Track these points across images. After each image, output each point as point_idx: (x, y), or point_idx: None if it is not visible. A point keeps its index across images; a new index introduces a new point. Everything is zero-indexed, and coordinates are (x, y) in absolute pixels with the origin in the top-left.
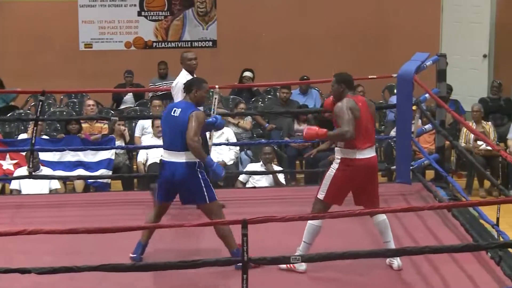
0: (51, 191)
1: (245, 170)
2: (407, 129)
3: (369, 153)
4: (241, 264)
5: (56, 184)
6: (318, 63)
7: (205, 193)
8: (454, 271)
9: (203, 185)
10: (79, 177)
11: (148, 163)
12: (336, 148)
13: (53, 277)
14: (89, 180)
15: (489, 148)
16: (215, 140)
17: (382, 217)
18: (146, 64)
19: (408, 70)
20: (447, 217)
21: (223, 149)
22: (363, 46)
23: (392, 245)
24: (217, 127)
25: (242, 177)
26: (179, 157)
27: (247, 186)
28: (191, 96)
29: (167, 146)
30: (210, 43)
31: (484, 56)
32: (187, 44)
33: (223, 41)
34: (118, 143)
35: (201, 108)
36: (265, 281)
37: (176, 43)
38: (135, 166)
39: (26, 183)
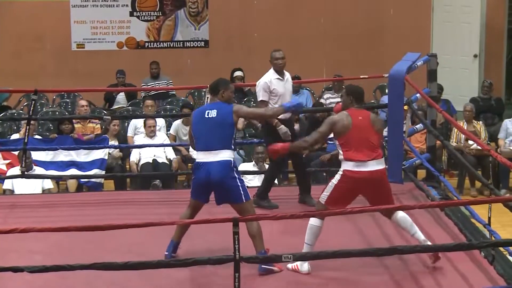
0: (44, 190)
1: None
2: (399, 129)
3: (371, 166)
4: (264, 266)
5: (49, 184)
6: (309, 63)
7: (241, 192)
8: (446, 270)
9: (239, 184)
10: (72, 177)
11: (141, 163)
12: (340, 159)
13: (45, 275)
14: (82, 180)
15: (480, 147)
16: None
17: (401, 213)
18: (138, 64)
19: (399, 70)
20: (439, 216)
21: None
22: (354, 46)
23: (421, 235)
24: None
25: None
26: (215, 156)
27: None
28: (219, 97)
29: (202, 147)
30: (202, 43)
31: (475, 56)
32: (179, 44)
33: (215, 41)
34: (112, 143)
35: None
36: (256, 279)
37: (168, 43)
38: (127, 166)
39: (19, 183)
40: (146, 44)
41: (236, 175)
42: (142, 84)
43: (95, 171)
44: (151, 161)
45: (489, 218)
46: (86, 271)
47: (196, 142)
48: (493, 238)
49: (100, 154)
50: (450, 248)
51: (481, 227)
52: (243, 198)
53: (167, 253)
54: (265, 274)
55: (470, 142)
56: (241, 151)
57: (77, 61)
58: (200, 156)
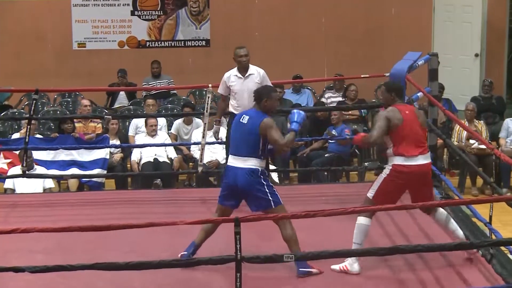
0: (45, 190)
1: None
2: None
3: (420, 160)
4: (304, 269)
5: (50, 183)
6: (311, 62)
7: (270, 198)
8: (446, 269)
9: (267, 190)
10: (73, 176)
11: (142, 162)
12: (388, 154)
13: (46, 275)
14: (83, 179)
15: (481, 146)
16: (208, 139)
17: (442, 211)
18: (139, 63)
19: (400, 69)
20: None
21: (216, 148)
22: (355, 45)
23: (460, 233)
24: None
25: None
26: (243, 163)
27: None
28: (261, 105)
29: (233, 152)
30: (203, 42)
31: (476, 55)
32: (180, 44)
33: (216, 40)
34: (113, 142)
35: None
36: (259, 279)
37: (170, 42)
38: (128, 165)
39: (20, 182)
40: (148, 43)
41: (264, 182)
42: (143, 83)
43: (97, 171)
44: (152, 160)
45: (490, 217)
46: (87, 271)
47: (230, 145)
48: (493, 237)
49: (101, 153)
50: (452, 247)
51: (483, 226)
52: (272, 204)
53: (185, 253)
54: (304, 277)
55: (472, 141)
56: None
57: (78, 60)
58: (230, 160)
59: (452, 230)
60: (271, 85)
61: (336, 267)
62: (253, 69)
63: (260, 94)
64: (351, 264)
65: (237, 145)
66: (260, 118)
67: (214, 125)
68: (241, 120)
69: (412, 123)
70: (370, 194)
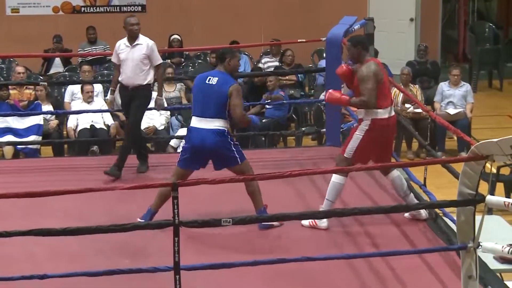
0: None
1: (176, 135)
2: None
3: (392, 111)
4: (265, 224)
5: None
6: (247, 27)
7: (236, 156)
8: (386, 231)
9: (233, 149)
10: (9, 143)
11: (78, 128)
12: (360, 110)
13: None
14: (19, 146)
15: (416, 110)
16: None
17: (397, 173)
18: (74, 29)
19: (336, 33)
20: (376, 179)
21: (154, 114)
22: (292, 10)
23: (412, 197)
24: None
25: (173, 142)
26: (210, 124)
27: (178, 150)
28: (225, 66)
29: (198, 113)
30: (139, 8)
31: (411, 19)
32: (116, 9)
33: (152, 5)
34: (45, 107)
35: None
36: (196, 242)
37: (105, 7)
38: (65, 132)
39: None
40: (82, 9)
41: (231, 141)
42: (79, 50)
43: (32, 137)
44: (88, 127)
45: (425, 179)
46: (24, 237)
47: (193, 107)
48: (428, 199)
49: (35, 119)
50: (388, 210)
51: (418, 188)
52: (239, 160)
53: (142, 220)
54: (266, 229)
55: (407, 105)
56: (179, 117)
57: (12, 26)
58: (195, 122)
59: (403, 196)
60: (159, 57)
61: (306, 222)
62: (142, 39)
63: (224, 53)
64: (319, 219)
65: (203, 107)
66: (230, 82)
67: (109, 95)
68: (207, 82)
69: (385, 75)
70: (349, 153)
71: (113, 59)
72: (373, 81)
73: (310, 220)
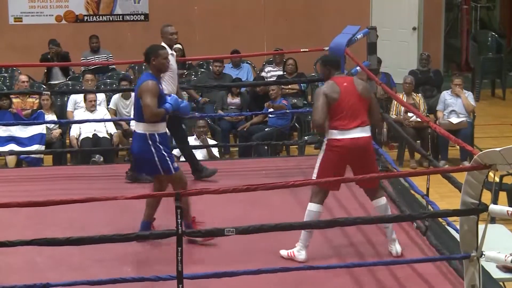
0: None
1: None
2: None
3: (357, 133)
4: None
5: None
6: (250, 36)
7: (158, 165)
8: (384, 241)
9: (155, 157)
10: (12, 153)
11: (81, 137)
12: (325, 129)
13: None
14: (22, 156)
15: (419, 119)
16: None
17: (383, 201)
18: (77, 38)
19: (339, 43)
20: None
21: None
22: (294, 19)
23: (391, 231)
24: (182, 112)
25: (176, 151)
26: (136, 128)
27: (181, 160)
28: (151, 67)
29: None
30: (142, 17)
31: (414, 29)
32: (119, 18)
33: (155, 15)
34: (49, 116)
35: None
36: (199, 253)
37: (108, 16)
38: (67, 141)
39: None
40: (85, 18)
41: (153, 148)
42: (82, 58)
43: (35, 147)
44: (91, 136)
45: (428, 189)
46: (26, 247)
47: None
48: (430, 209)
49: (38, 129)
50: (390, 219)
51: (421, 198)
52: (161, 170)
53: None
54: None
55: (410, 114)
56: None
57: (15, 35)
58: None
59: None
60: None
61: (284, 252)
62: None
63: (147, 53)
64: (298, 250)
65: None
66: (140, 81)
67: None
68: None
69: (350, 94)
70: (314, 174)
71: None
72: (321, 101)
73: (289, 251)
